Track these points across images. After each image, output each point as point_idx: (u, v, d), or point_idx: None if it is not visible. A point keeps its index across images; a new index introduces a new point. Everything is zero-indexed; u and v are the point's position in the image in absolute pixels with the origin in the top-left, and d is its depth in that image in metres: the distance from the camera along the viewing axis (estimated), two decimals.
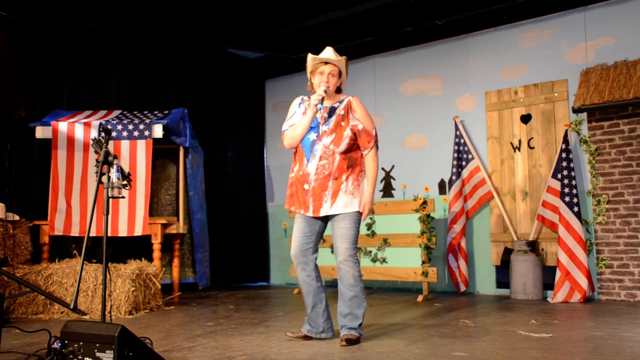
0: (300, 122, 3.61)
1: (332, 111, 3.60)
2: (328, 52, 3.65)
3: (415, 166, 6.87)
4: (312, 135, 3.57)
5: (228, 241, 7.68)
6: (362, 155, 3.61)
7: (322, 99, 3.51)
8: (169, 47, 7.08)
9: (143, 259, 5.39)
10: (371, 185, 3.58)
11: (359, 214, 3.56)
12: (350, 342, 3.42)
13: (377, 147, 3.62)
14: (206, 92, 7.76)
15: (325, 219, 3.63)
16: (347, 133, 3.53)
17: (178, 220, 6.20)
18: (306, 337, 3.62)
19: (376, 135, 3.63)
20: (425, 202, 5.88)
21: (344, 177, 3.51)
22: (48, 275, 4.98)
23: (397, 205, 6.18)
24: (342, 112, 3.57)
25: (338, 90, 3.70)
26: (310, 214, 3.55)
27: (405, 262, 6.33)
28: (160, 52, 7.13)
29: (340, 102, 3.62)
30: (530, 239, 5.87)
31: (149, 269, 5.20)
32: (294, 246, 3.63)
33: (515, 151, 6.19)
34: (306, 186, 3.56)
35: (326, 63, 3.61)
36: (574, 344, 3.40)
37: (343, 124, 3.54)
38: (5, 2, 5.20)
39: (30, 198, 6.11)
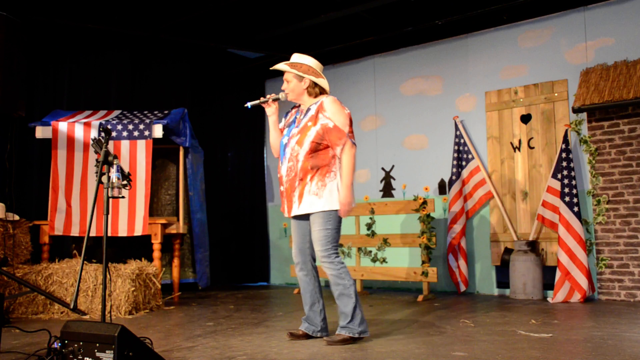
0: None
1: (306, 113, 3.66)
2: (292, 58, 3.74)
3: (415, 166, 6.87)
4: (285, 139, 3.69)
5: (228, 241, 7.68)
6: (333, 155, 3.54)
7: (266, 102, 3.68)
8: (169, 47, 7.08)
9: (143, 259, 5.39)
10: (345, 182, 3.49)
11: (329, 213, 3.50)
12: (343, 342, 3.44)
13: (353, 144, 3.52)
14: (206, 92, 7.75)
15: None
16: (311, 133, 3.52)
17: (178, 220, 6.20)
18: (306, 336, 3.65)
19: (351, 132, 3.54)
20: (425, 202, 5.88)
21: (308, 177, 3.53)
22: (48, 275, 4.98)
23: (397, 205, 6.17)
24: (313, 113, 3.61)
25: (319, 92, 3.68)
26: (286, 214, 3.67)
27: (405, 262, 6.34)
28: (160, 53, 7.12)
29: (316, 103, 3.65)
30: (530, 239, 5.86)
31: (149, 269, 5.20)
32: (293, 246, 3.76)
33: (515, 151, 6.19)
34: (281, 188, 3.70)
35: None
36: (574, 344, 3.40)
37: (310, 124, 3.56)
38: (5, 2, 5.21)
39: (30, 198, 6.11)
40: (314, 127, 3.53)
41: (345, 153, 3.51)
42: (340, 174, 3.53)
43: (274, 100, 3.71)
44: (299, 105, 3.79)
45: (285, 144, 3.65)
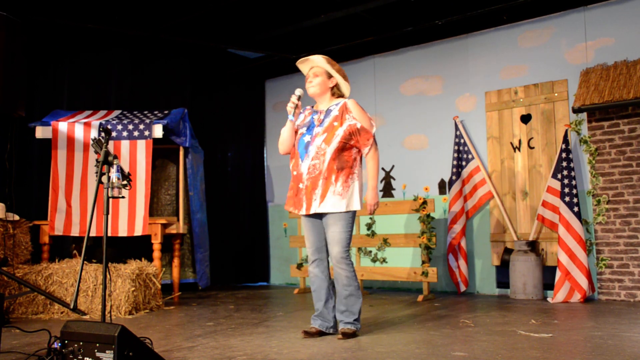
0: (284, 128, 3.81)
1: (328, 113, 3.72)
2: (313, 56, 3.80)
3: (415, 166, 6.87)
4: (307, 137, 3.72)
5: (228, 241, 7.67)
6: (355, 158, 3.69)
7: (296, 106, 3.67)
8: (169, 47, 7.07)
9: (143, 259, 5.39)
10: (372, 183, 3.71)
11: (350, 214, 3.66)
12: (347, 335, 3.59)
13: (376, 145, 3.72)
14: (206, 92, 7.75)
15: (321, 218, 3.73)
16: (339, 133, 3.62)
17: (178, 220, 6.20)
18: (319, 333, 3.71)
19: (374, 134, 3.73)
20: (425, 202, 5.88)
21: (333, 177, 3.61)
22: (48, 275, 4.98)
23: (397, 205, 6.17)
24: (337, 113, 3.68)
25: (339, 95, 3.81)
26: (304, 211, 3.68)
27: (405, 262, 6.34)
28: (160, 52, 7.12)
29: (337, 104, 3.74)
30: (530, 239, 5.86)
31: (149, 269, 5.20)
32: (310, 244, 3.76)
33: (515, 151, 6.19)
34: (301, 185, 3.70)
35: (310, 68, 3.79)
36: (574, 344, 3.40)
37: (336, 124, 3.64)
38: (5, 2, 5.20)
39: (30, 198, 6.11)
40: (341, 128, 3.61)
41: (371, 155, 3.69)
42: (359, 175, 3.72)
43: (299, 99, 3.70)
44: (312, 106, 3.86)
45: (308, 142, 3.68)
